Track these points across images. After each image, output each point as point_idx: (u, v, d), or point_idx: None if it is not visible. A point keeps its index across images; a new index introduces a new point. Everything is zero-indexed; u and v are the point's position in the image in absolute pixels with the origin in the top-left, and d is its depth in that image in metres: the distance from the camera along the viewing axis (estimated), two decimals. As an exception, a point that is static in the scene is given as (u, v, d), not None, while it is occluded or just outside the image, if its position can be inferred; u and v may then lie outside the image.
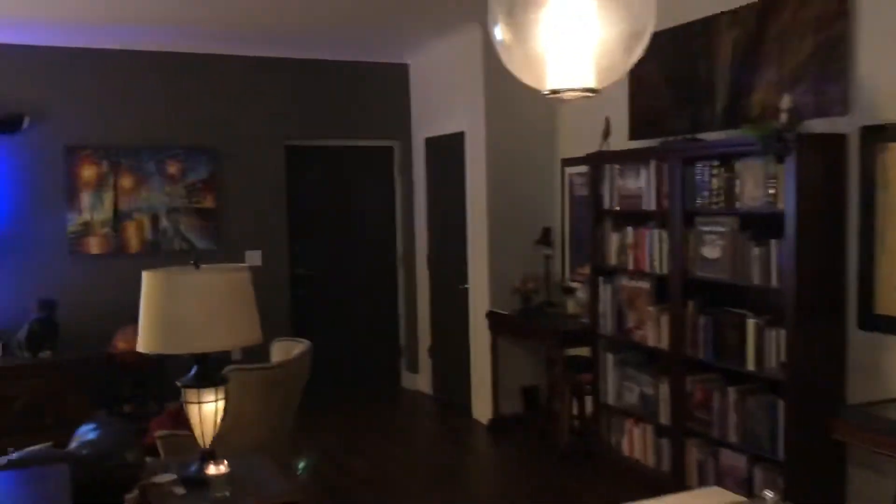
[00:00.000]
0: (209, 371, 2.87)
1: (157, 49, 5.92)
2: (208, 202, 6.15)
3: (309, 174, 6.61)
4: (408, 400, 6.69)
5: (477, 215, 5.76)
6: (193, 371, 2.83)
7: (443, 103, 6.24)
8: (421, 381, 6.77)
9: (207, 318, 2.70)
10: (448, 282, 6.28)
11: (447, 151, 6.22)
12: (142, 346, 2.80)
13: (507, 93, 5.59)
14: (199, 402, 2.82)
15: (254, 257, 6.28)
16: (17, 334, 5.28)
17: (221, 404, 2.85)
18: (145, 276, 2.79)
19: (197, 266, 2.83)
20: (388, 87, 6.74)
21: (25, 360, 5.24)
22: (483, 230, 5.67)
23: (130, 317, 5.70)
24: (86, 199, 5.77)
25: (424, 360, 6.73)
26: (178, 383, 2.83)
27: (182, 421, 3.90)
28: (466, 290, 5.94)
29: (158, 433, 3.48)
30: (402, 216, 6.89)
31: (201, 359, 2.84)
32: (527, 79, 1.50)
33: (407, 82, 6.78)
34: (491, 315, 5.58)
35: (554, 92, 1.47)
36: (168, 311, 2.69)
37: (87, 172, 5.77)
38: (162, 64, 5.98)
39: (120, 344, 5.47)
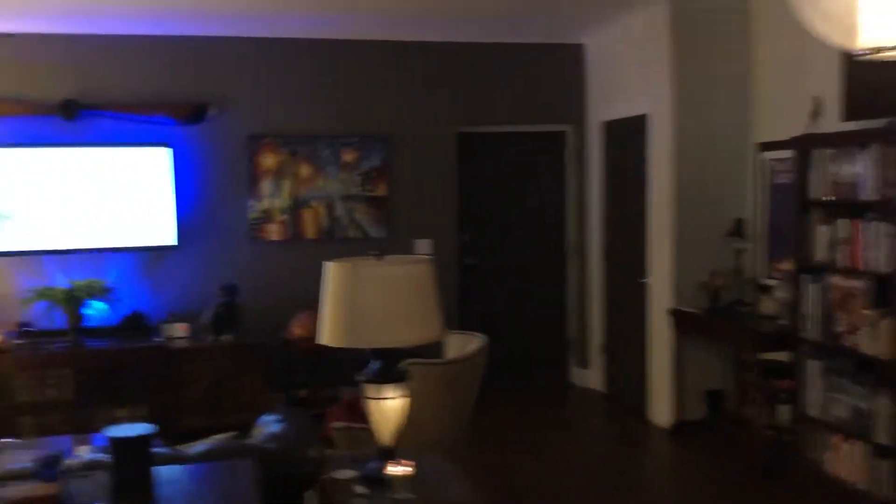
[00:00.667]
0: (390, 366, 2.75)
1: (336, 37, 5.95)
2: (381, 190, 6.13)
3: (479, 161, 6.45)
4: (577, 397, 6.42)
5: (660, 204, 5.37)
6: (373, 365, 2.73)
7: (623, 85, 5.88)
8: (592, 377, 6.47)
9: (391, 311, 2.57)
10: (625, 275, 5.93)
11: (627, 135, 5.85)
12: (324, 338, 2.71)
13: (696, 72, 5.16)
14: (380, 398, 2.71)
15: (423, 246, 6.22)
16: (201, 317, 5.49)
17: (403, 401, 2.73)
18: (329, 267, 2.69)
19: (380, 257, 2.71)
20: (562, 69, 6.45)
21: (209, 342, 5.44)
22: (667, 220, 5.28)
23: (306, 303, 5.83)
24: (266, 186, 5.91)
25: (596, 356, 6.42)
26: (358, 378, 2.73)
27: (358, 412, 3.85)
28: (645, 284, 5.57)
29: (335, 424, 3.44)
30: (575, 204, 6.59)
31: (382, 353, 2.73)
32: (831, 34, 1.19)
33: (582, 64, 6.46)
34: (674, 312, 5.19)
35: (874, 51, 1.15)
36: (351, 303, 2.58)
37: (268, 161, 5.91)
38: (339, 52, 6.01)
39: (296, 330, 5.56)
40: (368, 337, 2.60)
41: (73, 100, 5.46)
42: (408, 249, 6.02)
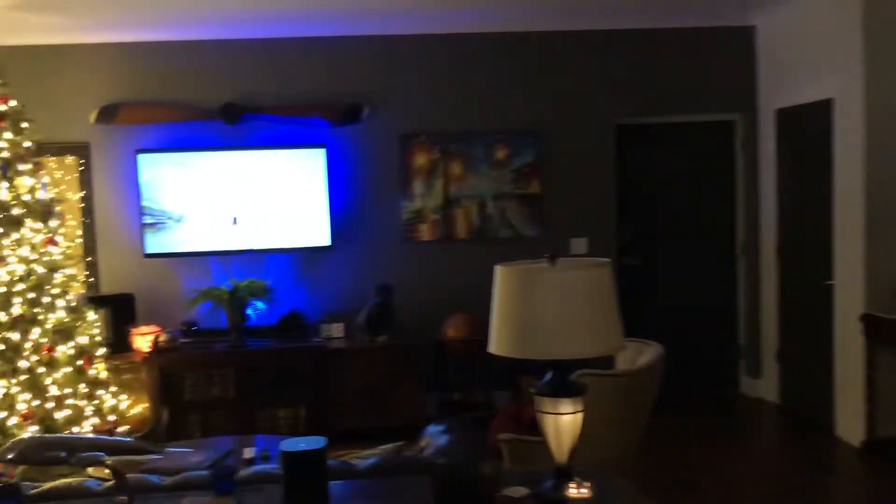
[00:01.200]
0: (564, 378, 2.53)
1: (486, 31, 5.78)
2: (534, 187, 5.91)
3: (639, 155, 6.09)
4: (750, 408, 5.93)
5: (848, 197, 4.83)
6: (548, 377, 2.51)
7: (802, 68, 5.35)
8: (765, 387, 5.96)
9: (569, 320, 2.34)
10: (805, 276, 5.41)
11: (806, 122, 5.33)
12: (495, 347, 2.52)
13: (892, 49, 4.60)
14: (556, 413, 2.49)
15: (579, 245, 5.94)
16: (357, 317, 5.47)
17: (579, 416, 2.50)
18: (499, 272, 2.50)
19: (553, 261, 2.49)
20: (730, 53, 5.98)
21: (364, 342, 5.41)
22: (857, 216, 4.74)
23: (458, 304, 5.72)
24: (418, 186, 5.83)
25: (769, 364, 5.91)
26: (532, 390, 2.52)
27: (523, 423, 3.66)
28: (831, 286, 5.03)
29: (502, 436, 3.25)
30: (745, 199, 6.09)
31: (557, 364, 2.51)
32: None
33: (753, 47, 5.96)
34: (867, 318, 4.65)
35: None
36: (525, 311, 2.37)
37: (420, 160, 5.83)
38: (491, 46, 5.84)
39: (449, 332, 5.44)
40: (545, 348, 2.38)
41: (233, 103, 5.58)
42: (563, 249, 5.76)
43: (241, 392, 5.23)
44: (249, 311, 5.47)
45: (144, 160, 5.51)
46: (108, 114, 5.57)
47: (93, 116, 5.55)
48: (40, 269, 4.54)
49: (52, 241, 4.65)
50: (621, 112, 5.95)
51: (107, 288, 5.65)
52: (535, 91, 5.87)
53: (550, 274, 2.39)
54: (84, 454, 2.13)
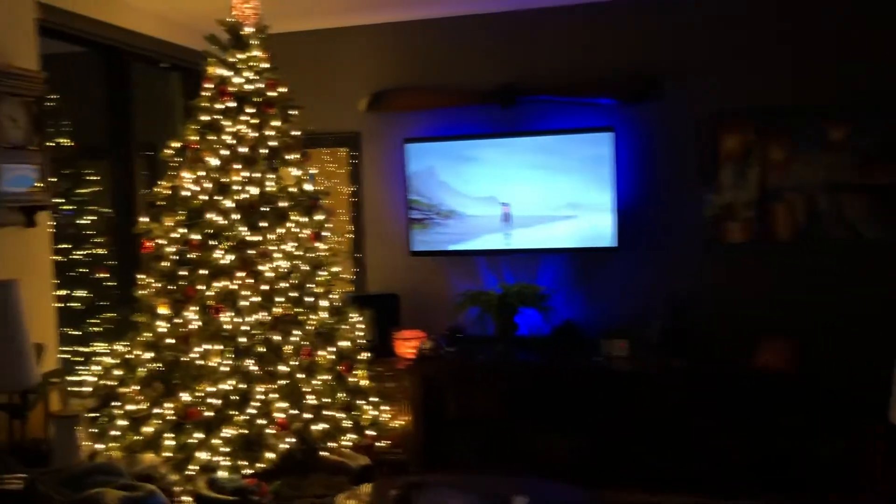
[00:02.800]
0: None
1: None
2: (882, 177, 4.56)
3: None
4: None
5: None
6: None
7: None
8: None
9: None
10: None
11: None
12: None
13: None
14: None
15: (949, 252, 4.49)
16: (646, 334, 4.56)
17: None
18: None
19: None
20: None
21: (655, 365, 4.49)
22: None
23: (777, 325, 4.58)
24: (727, 175, 4.75)
25: None
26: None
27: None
28: None
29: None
30: None
31: None
32: None
33: None
34: None
35: None
36: None
37: (730, 143, 4.74)
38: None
39: (765, 359, 4.33)
40: None
41: (509, 85, 4.94)
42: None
43: (509, 412, 4.57)
44: (520, 320, 4.80)
45: (412, 150, 5.06)
46: (378, 101, 5.20)
47: (363, 104, 5.22)
48: (304, 267, 4.23)
49: (317, 237, 4.32)
50: None
51: (372, 287, 5.30)
52: (884, 50, 4.51)
53: None
54: None
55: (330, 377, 4.18)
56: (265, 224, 4.07)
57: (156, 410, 3.87)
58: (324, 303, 4.25)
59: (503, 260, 5.01)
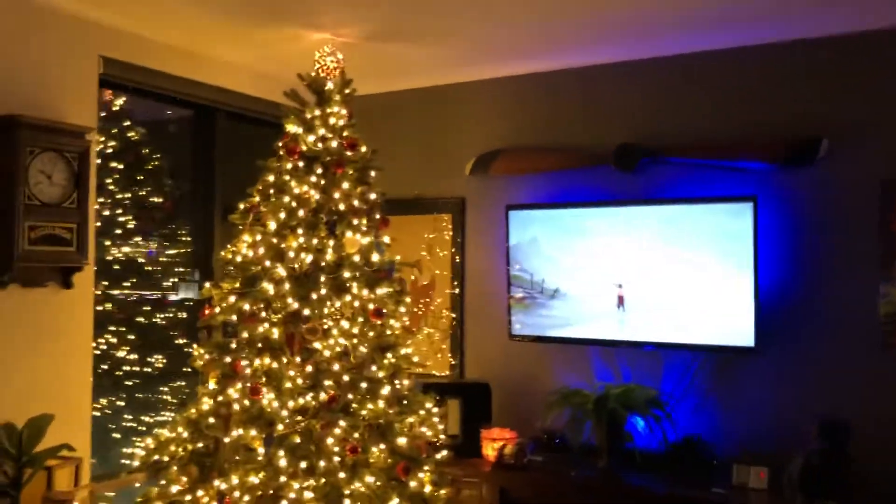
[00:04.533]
0: None
1: None
2: None
3: None
4: None
5: None
6: None
7: None
8: None
9: None
10: None
11: None
12: None
13: None
14: None
15: None
16: (788, 467, 3.49)
17: None
18: None
19: None
20: None
21: (799, 507, 3.40)
22: None
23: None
24: (910, 261, 3.62)
25: None
26: None
27: None
28: None
29: None
30: None
31: None
32: None
33: None
34: None
35: None
36: None
37: (914, 219, 3.62)
38: None
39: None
40: None
41: (629, 144, 4.17)
42: None
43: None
44: (627, 428, 3.91)
45: (515, 218, 4.40)
46: (482, 163, 4.63)
47: (468, 167, 4.68)
48: (363, 347, 3.68)
49: (377, 314, 3.75)
50: None
51: (466, 374, 4.65)
52: None
53: None
54: None
55: (380, 481, 3.55)
56: (315, 296, 3.59)
57: (187, 497, 3.46)
58: (385, 390, 3.66)
59: (622, 353, 4.16)
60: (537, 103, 4.53)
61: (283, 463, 3.37)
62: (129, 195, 4.44)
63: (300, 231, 3.63)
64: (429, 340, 4.86)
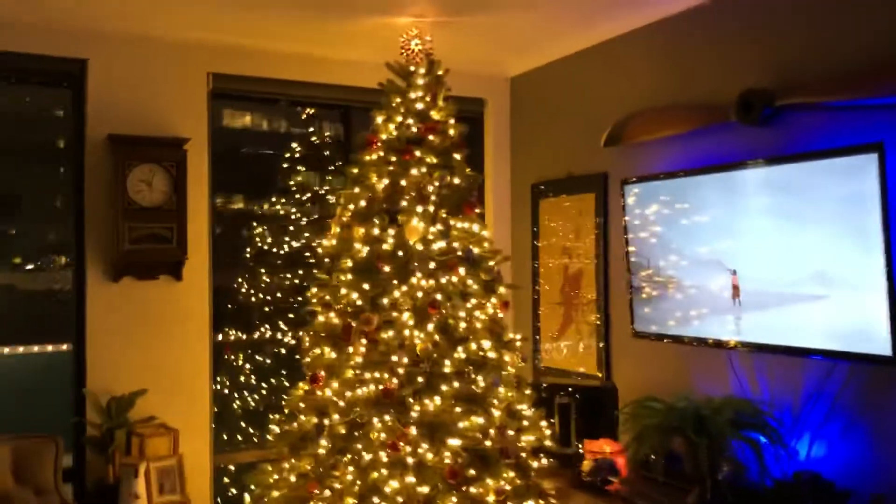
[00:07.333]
0: None
1: None
2: None
3: None
4: None
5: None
6: None
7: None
8: None
9: None
10: None
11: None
12: None
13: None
14: None
15: None
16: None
17: None
18: None
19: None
20: None
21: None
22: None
23: None
24: None
25: None
26: None
27: None
28: None
29: None
30: None
31: None
32: None
33: None
34: None
35: None
36: None
37: None
38: None
39: None
40: None
41: (755, 90, 3.25)
42: None
43: None
44: (739, 455, 3.06)
45: (630, 194, 3.74)
46: (616, 133, 4.03)
47: (603, 137, 4.11)
48: (436, 337, 3.48)
49: (433, 305, 3.52)
50: None
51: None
52: None
53: None
54: None
55: (430, 483, 3.35)
56: (366, 286, 3.55)
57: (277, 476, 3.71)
58: (451, 385, 3.45)
59: (735, 355, 3.30)
60: (665, 51, 3.79)
61: (321, 452, 3.42)
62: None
63: (363, 222, 3.63)
64: (577, 336, 4.40)
